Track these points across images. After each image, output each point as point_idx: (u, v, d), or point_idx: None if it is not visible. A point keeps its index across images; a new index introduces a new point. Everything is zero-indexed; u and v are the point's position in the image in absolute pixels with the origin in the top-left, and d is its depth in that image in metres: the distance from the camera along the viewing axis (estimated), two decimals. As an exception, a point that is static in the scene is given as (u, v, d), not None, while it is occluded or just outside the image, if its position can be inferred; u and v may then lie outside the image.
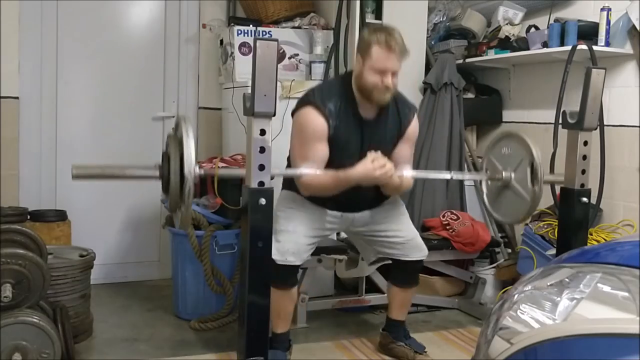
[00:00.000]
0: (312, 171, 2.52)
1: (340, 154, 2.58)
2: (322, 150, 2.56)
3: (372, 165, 2.46)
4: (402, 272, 2.88)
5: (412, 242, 2.84)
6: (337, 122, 2.57)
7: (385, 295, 3.35)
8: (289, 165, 2.74)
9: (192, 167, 2.17)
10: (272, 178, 2.31)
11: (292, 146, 2.68)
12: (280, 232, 2.64)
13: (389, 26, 2.62)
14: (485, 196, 2.99)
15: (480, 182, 3.06)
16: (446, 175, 2.97)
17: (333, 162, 2.57)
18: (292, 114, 2.65)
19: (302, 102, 2.62)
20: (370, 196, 2.74)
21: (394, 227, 2.82)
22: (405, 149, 2.72)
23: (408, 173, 2.68)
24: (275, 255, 2.54)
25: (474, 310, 3.53)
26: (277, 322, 2.67)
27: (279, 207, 2.69)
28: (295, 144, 2.64)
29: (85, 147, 3.94)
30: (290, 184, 2.74)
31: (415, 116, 2.76)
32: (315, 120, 2.55)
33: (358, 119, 2.62)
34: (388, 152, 2.61)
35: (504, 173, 2.82)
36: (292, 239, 2.64)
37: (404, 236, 2.83)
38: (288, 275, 2.64)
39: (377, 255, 2.94)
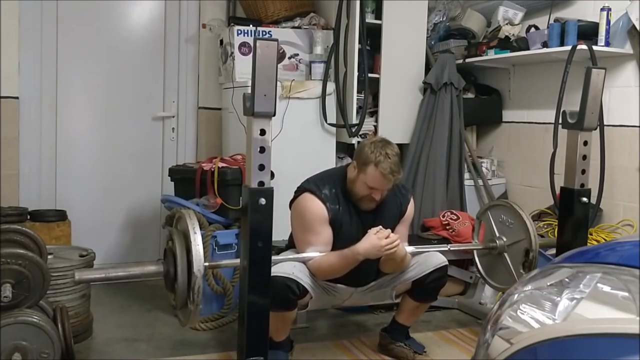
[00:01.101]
0: (317, 254, 2.56)
1: (342, 241, 2.59)
2: (326, 233, 2.60)
3: (376, 237, 2.49)
4: (426, 290, 2.77)
5: (424, 256, 2.76)
6: (336, 205, 2.61)
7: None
8: (290, 246, 2.76)
9: (201, 266, 2.20)
10: (272, 177, 2.31)
11: (295, 236, 2.70)
12: (284, 264, 2.57)
13: (389, 144, 2.60)
14: (478, 261, 3.12)
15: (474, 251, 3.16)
16: (443, 248, 2.96)
17: (336, 249, 2.59)
18: (290, 205, 2.68)
19: (298, 192, 2.66)
20: (375, 270, 2.74)
21: (404, 270, 2.76)
22: (403, 229, 2.76)
23: (408, 249, 2.70)
24: (281, 270, 2.48)
25: (474, 310, 3.53)
26: (276, 334, 2.64)
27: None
28: (298, 233, 2.66)
29: (85, 147, 3.94)
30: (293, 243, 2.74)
31: (412, 197, 2.82)
32: (314, 204, 2.58)
33: (357, 210, 2.65)
34: None
35: (497, 241, 2.95)
36: (299, 267, 2.57)
37: (415, 261, 2.75)
38: (286, 297, 2.48)
39: (399, 287, 2.80)
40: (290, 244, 2.77)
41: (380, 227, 2.54)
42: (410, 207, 2.79)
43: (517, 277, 2.82)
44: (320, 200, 2.58)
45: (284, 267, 2.52)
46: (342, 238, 2.60)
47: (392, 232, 2.60)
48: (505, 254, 2.95)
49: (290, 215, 2.69)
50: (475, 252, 3.15)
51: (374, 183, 2.55)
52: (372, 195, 2.58)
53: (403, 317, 2.89)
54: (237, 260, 2.50)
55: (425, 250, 2.82)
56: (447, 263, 2.76)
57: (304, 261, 2.58)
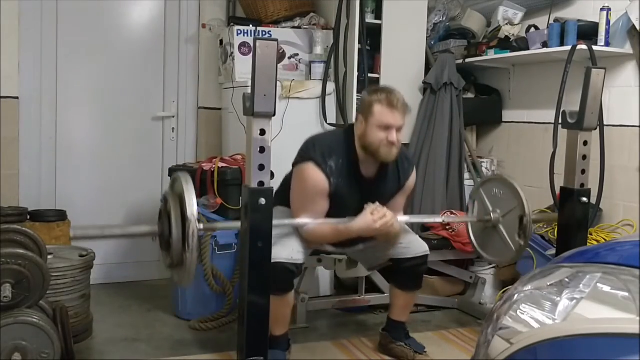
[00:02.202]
0: (313, 222, 2.57)
1: (339, 211, 2.60)
2: (322, 205, 2.61)
3: (372, 218, 2.50)
4: (405, 276, 2.84)
5: (409, 241, 2.82)
6: (338, 180, 2.60)
7: (385, 295, 3.36)
8: (281, 197, 2.73)
9: (195, 212, 2.18)
10: (272, 177, 2.31)
11: (292, 198, 2.70)
12: (280, 237, 2.61)
13: (388, 86, 2.66)
14: (472, 235, 3.07)
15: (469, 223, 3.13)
16: (437, 219, 3.00)
17: (332, 217, 2.60)
18: (293, 165, 2.68)
19: (304, 157, 2.62)
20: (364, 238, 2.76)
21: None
22: (400, 200, 2.77)
23: (401, 219, 2.71)
24: (281, 256, 2.52)
25: (474, 310, 3.53)
26: (274, 326, 2.64)
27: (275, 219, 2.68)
28: (296, 197, 2.67)
29: (85, 147, 3.94)
30: (283, 199, 2.73)
31: (414, 170, 2.82)
32: (316, 177, 2.57)
33: (359, 178, 2.65)
34: (385, 205, 2.63)
35: (492, 215, 2.91)
36: (293, 242, 2.63)
37: (404, 242, 2.80)
38: (287, 279, 2.59)
39: (378, 261, 2.91)
40: (282, 197, 2.73)
41: (378, 204, 2.54)
42: (411, 180, 2.79)
43: (513, 248, 2.78)
44: (324, 174, 2.57)
45: (285, 250, 2.55)
46: (340, 206, 2.60)
47: (391, 201, 2.65)
48: (500, 226, 2.88)
49: (292, 174, 2.69)
50: (470, 228, 3.08)
51: (385, 118, 2.51)
52: (388, 138, 2.52)
53: (396, 313, 2.92)
54: (233, 224, 2.52)
55: (419, 220, 2.87)
56: (428, 252, 2.82)
57: (299, 227, 2.59)
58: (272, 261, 2.38)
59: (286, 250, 2.57)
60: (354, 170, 2.64)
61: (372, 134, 2.55)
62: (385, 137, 2.53)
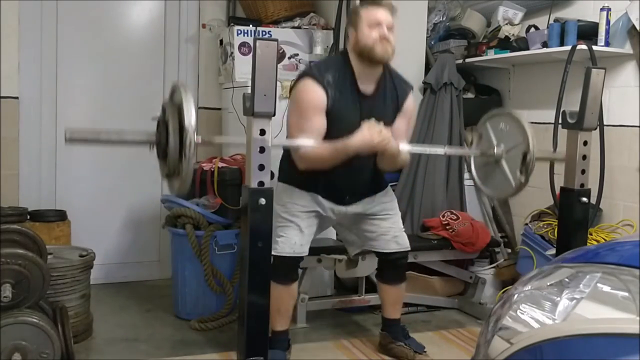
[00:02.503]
0: (310, 142, 2.50)
1: (339, 129, 2.54)
2: (320, 122, 2.55)
3: (369, 132, 2.47)
4: (388, 269, 2.91)
5: (393, 234, 2.84)
6: (336, 93, 2.56)
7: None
8: (286, 155, 2.75)
9: (192, 121, 2.12)
10: (272, 177, 2.31)
11: (289, 122, 2.66)
12: (283, 227, 2.66)
13: None
14: (473, 169, 2.98)
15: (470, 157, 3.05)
16: (439, 151, 2.97)
17: (331, 137, 2.54)
18: (290, 90, 2.66)
19: (301, 75, 2.63)
20: (366, 180, 2.74)
21: (387, 223, 2.84)
22: (402, 123, 2.73)
23: (404, 147, 2.67)
24: (283, 248, 2.59)
25: (473, 310, 3.53)
26: (276, 319, 2.67)
27: (278, 203, 2.66)
28: (293, 118, 2.62)
29: (85, 147, 3.93)
30: (285, 175, 2.74)
31: (412, 93, 2.79)
32: (313, 91, 2.54)
33: (357, 94, 2.62)
34: (386, 126, 2.60)
35: (495, 149, 2.81)
36: (294, 232, 2.66)
37: (392, 232, 2.84)
38: (290, 269, 2.68)
39: (362, 247, 2.99)
40: (283, 173, 2.77)
41: (374, 120, 2.53)
42: (410, 101, 2.77)
43: (514, 183, 2.71)
44: (321, 87, 2.54)
45: (289, 243, 2.60)
46: (339, 123, 2.57)
47: (392, 123, 2.65)
48: (503, 161, 2.80)
49: (288, 101, 2.68)
50: (472, 161, 3.00)
51: (373, 15, 2.55)
52: (380, 35, 2.54)
53: (388, 310, 2.95)
54: (241, 139, 2.50)
55: (422, 150, 3.03)
56: (408, 249, 2.88)
57: (297, 148, 2.54)
58: (276, 254, 2.45)
59: (291, 243, 2.62)
60: (351, 85, 2.61)
61: (364, 36, 2.55)
62: (377, 35, 2.54)
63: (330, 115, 2.56)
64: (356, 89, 2.62)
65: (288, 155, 2.72)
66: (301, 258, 2.71)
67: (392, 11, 2.59)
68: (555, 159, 2.94)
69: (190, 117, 2.12)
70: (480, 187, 2.99)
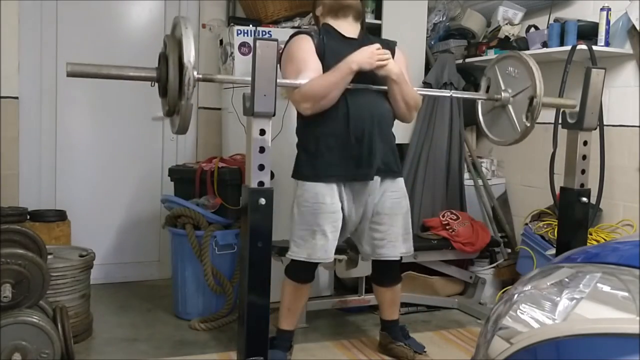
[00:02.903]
0: (309, 79, 2.50)
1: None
2: (316, 62, 2.57)
3: (368, 48, 2.51)
4: (381, 273, 2.89)
5: (395, 239, 2.78)
6: (326, 40, 2.62)
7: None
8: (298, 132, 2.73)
9: (192, 57, 2.09)
10: (272, 177, 2.31)
11: (285, 71, 2.63)
12: (306, 231, 2.60)
13: None
14: (480, 115, 2.98)
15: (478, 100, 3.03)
16: (445, 93, 2.98)
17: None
18: (280, 55, 2.63)
19: (288, 39, 2.69)
20: (382, 150, 2.66)
21: (398, 223, 2.77)
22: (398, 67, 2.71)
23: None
24: (309, 254, 2.58)
25: (473, 310, 3.53)
26: (285, 317, 2.67)
27: (301, 205, 2.62)
28: (288, 68, 2.61)
29: (85, 147, 3.94)
30: (303, 166, 2.67)
31: (397, 47, 2.80)
32: (304, 40, 2.62)
33: (344, 39, 2.67)
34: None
35: (502, 94, 2.79)
36: (321, 237, 2.59)
37: (397, 233, 2.77)
38: (308, 270, 2.69)
39: (367, 244, 2.84)
40: (296, 170, 2.72)
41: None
42: (400, 54, 2.78)
43: (519, 128, 2.71)
44: (310, 37, 2.62)
45: (314, 248, 2.57)
46: (334, 64, 2.56)
47: None
48: (510, 106, 2.79)
49: (281, 62, 2.65)
50: (479, 107, 2.99)
51: None
52: None
53: (386, 312, 2.93)
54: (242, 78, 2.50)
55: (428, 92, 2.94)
56: (404, 255, 2.83)
57: (298, 86, 2.52)
58: (297, 259, 2.49)
59: (314, 252, 2.59)
60: (335, 35, 2.66)
61: (328, 6, 2.67)
62: None
63: (325, 59, 2.58)
64: (342, 37, 2.67)
65: (304, 142, 2.69)
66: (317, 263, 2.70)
67: None
68: (563, 105, 2.85)
69: (190, 53, 2.09)
70: (486, 133, 2.96)
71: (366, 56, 2.50)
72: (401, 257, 2.87)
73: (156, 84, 2.24)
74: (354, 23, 2.70)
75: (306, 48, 2.59)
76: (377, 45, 2.54)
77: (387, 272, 2.88)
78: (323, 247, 2.61)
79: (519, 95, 2.72)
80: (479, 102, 2.96)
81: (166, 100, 2.19)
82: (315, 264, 2.69)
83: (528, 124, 2.66)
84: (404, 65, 2.76)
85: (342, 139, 2.59)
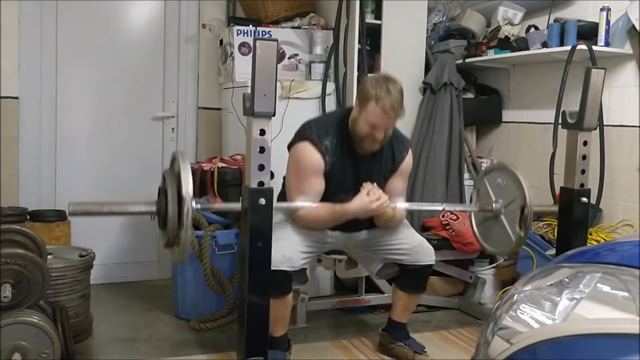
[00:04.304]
0: (309, 204, 2.57)
1: (336, 189, 2.62)
2: (318, 184, 2.61)
3: (368, 198, 2.53)
4: (411, 279, 2.83)
5: (420, 247, 2.81)
6: (334, 158, 2.62)
7: (385, 295, 3.36)
8: (282, 198, 2.76)
9: (189, 190, 2.17)
10: (271, 177, 2.31)
11: (287, 180, 2.71)
12: (275, 240, 2.55)
13: (391, 80, 2.59)
14: (474, 225, 3.03)
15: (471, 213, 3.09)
16: (438, 207, 3.01)
17: (328, 197, 2.61)
18: (289, 147, 2.69)
19: (299, 137, 2.65)
20: (367, 220, 2.75)
21: (398, 237, 2.81)
22: (398, 182, 2.75)
23: (401, 205, 2.72)
24: (272, 265, 2.47)
25: (473, 310, 3.53)
26: (274, 327, 2.64)
27: (276, 218, 2.62)
28: (291, 178, 2.67)
29: (85, 147, 3.94)
30: (284, 199, 2.74)
31: (410, 151, 2.81)
32: (312, 155, 2.60)
33: (354, 155, 2.66)
34: (382, 185, 2.65)
35: (494, 205, 2.88)
36: (288, 245, 2.59)
37: (409, 242, 2.80)
38: (282, 283, 2.55)
39: (384, 261, 2.85)
40: (283, 192, 2.76)
41: (370, 184, 2.56)
42: (407, 161, 2.79)
43: (514, 238, 2.75)
44: (319, 152, 2.60)
45: (279, 256, 2.50)
46: (336, 185, 2.62)
47: (387, 182, 2.69)
48: (502, 216, 2.85)
49: (287, 158, 2.69)
50: (473, 218, 3.03)
51: (374, 119, 2.53)
52: (374, 134, 2.55)
53: (397, 314, 2.91)
54: (235, 205, 2.52)
55: (420, 208, 2.93)
56: (434, 262, 2.84)
57: (295, 210, 2.59)
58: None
59: (277, 254, 2.51)
60: (349, 148, 2.65)
61: (360, 126, 2.57)
62: (372, 133, 2.56)
63: (328, 177, 2.62)
64: (353, 151, 2.66)
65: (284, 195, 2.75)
66: (288, 274, 2.57)
67: (396, 117, 2.57)
68: (552, 212, 2.98)
69: (188, 185, 2.17)
70: (482, 245, 3.03)
71: (364, 206, 2.53)
72: (431, 267, 2.84)
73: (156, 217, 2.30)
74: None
75: (313, 166, 2.59)
76: (377, 195, 2.53)
77: (414, 280, 2.83)
78: (286, 255, 2.56)
79: (510, 206, 2.81)
80: (472, 213, 3.04)
81: (165, 232, 2.25)
82: (283, 274, 2.54)
83: (522, 234, 2.72)
84: (406, 172, 2.82)
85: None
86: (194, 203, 2.19)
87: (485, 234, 2.99)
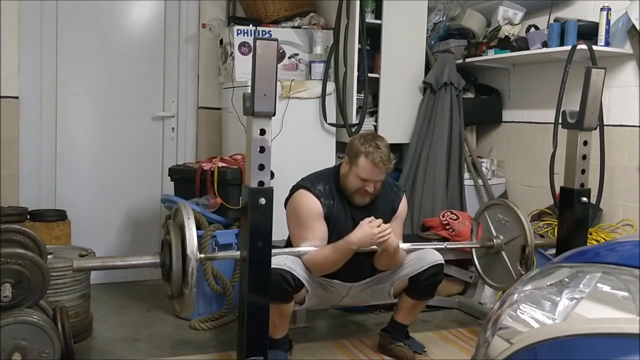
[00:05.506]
0: (312, 248, 2.59)
1: (337, 235, 2.62)
2: (321, 228, 2.63)
3: (369, 225, 2.54)
4: (421, 288, 2.79)
5: (423, 252, 2.80)
6: (330, 200, 2.65)
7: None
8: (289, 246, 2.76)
9: (195, 250, 2.20)
10: (272, 177, 2.31)
11: (290, 233, 2.73)
12: (277, 257, 2.58)
13: (378, 136, 2.70)
14: (476, 260, 3.11)
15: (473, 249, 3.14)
16: (440, 246, 3.00)
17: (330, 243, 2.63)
18: (285, 205, 2.70)
19: (292, 190, 2.70)
20: (369, 265, 2.76)
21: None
22: (396, 226, 2.76)
23: (401, 246, 2.73)
24: (275, 264, 2.47)
25: (474, 310, 3.53)
26: (274, 330, 2.63)
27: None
28: (294, 230, 2.69)
29: (85, 146, 3.94)
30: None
31: (405, 196, 2.85)
32: (309, 200, 2.63)
33: (349, 204, 2.69)
34: None
35: (495, 240, 2.94)
36: (291, 259, 2.59)
37: (411, 257, 2.79)
38: (284, 289, 2.52)
39: (393, 283, 2.81)
40: (289, 246, 2.77)
41: (372, 217, 2.58)
42: (403, 205, 2.82)
43: (515, 275, 2.82)
44: (314, 195, 2.63)
45: (276, 259, 2.52)
46: (337, 233, 2.63)
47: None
48: (503, 253, 2.95)
49: (285, 214, 2.71)
50: (474, 252, 3.14)
51: (365, 174, 2.59)
52: (365, 187, 2.62)
53: (401, 316, 2.90)
54: (233, 253, 2.51)
55: (421, 247, 2.86)
56: (443, 261, 2.79)
57: (299, 255, 2.61)
58: (272, 267, 2.38)
59: (280, 258, 2.54)
60: (342, 196, 2.69)
61: (351, 181, 2.64)
62: (362, 187, 2.62)
63: (328, 222, 2.64)
64: (349, 204, 2.69)
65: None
66: (292, 281, 2.53)
67: (386, 170, 2.62)
68: (552, 244, 3.00)
69: (193, 243, 2.21)
70: (483, 279, 3.07)
71: (366, 233, 2.54)
72: (440, 274, 2.81)
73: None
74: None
75: (313, 212, 2.62)
76: (378, 223, 2.55)
77: (425, 288, 2.78)
78: (292, 259, 2.58)
79: (511, 243, 2.88)
80: (473, 249, 3.10)
81: (169, 285, 2.26)
82: (285, 279, 2.51)
83: (523, 272, 2.75)
84: (403, 216, 2.85)
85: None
86: (198, 254, 2.25)
87: (486, 268, 3.08)
